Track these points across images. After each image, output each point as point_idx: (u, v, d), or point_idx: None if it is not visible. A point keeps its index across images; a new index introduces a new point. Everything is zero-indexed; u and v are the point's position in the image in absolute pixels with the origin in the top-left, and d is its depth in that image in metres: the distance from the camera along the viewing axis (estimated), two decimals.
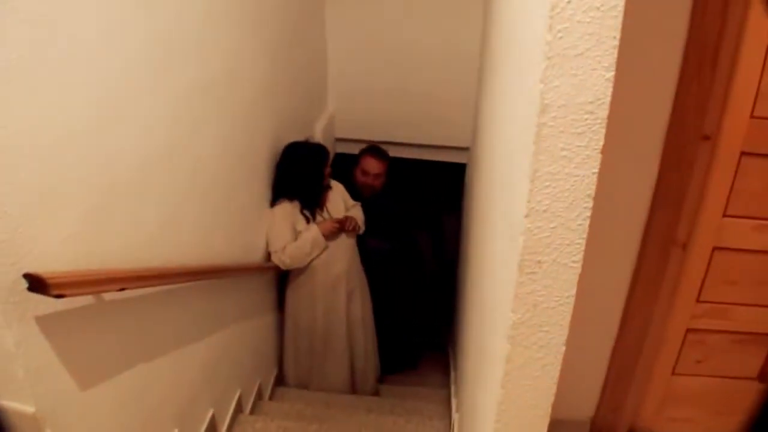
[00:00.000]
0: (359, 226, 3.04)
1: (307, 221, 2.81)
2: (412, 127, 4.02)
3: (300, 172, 2.77)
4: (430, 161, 4.32)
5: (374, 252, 3.38)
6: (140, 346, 1.70)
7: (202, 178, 2.00)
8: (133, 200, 1.58)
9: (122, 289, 1.48)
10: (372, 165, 3.28)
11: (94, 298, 1.45)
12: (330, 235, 2.87)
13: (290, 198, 2.79)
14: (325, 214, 2.93)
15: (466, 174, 4.09)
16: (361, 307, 3.14)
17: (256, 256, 2.68)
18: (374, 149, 3.34)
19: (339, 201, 3.04)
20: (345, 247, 2.99)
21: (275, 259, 2.75)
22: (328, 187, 2.98)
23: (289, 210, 2.77)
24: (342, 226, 2.91)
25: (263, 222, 2.75)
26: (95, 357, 1.48)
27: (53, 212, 1.28)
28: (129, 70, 1.51)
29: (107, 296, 1.50)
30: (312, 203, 2.85)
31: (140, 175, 1.60)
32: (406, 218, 3.66)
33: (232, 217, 2.35)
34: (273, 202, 2.79)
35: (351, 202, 3.11)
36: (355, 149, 4.25)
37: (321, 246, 2.84)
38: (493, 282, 1.47)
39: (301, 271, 2.89)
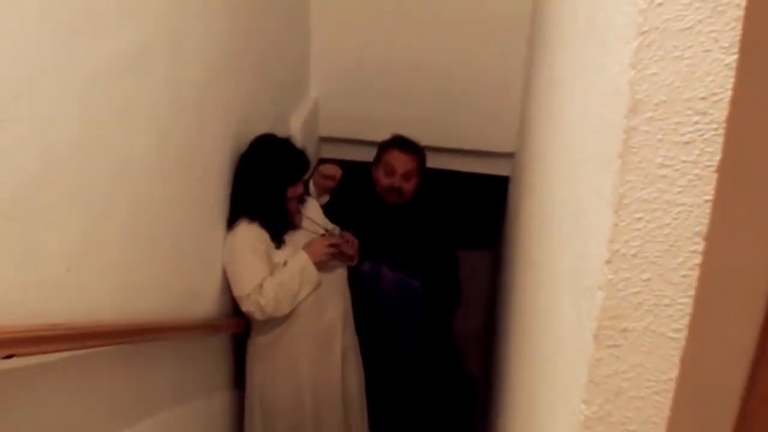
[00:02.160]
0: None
1: (278, 247, 2.84)
2: (428, 123, 4.02)
3: (260, 181, 2.81)
4: (454, 173, 4.32)
5: (401, 290, 3.39)
6: None
7: (128, 191, 2.01)
8: (26, 225, 1.57)
9: (10, 356, 1.47)
10: (399, 160, 3.37)
11: None
12: (323, 263, 2.89)
13: (252, 217, 2.82)
14: (300, 235, 2.95)
15: (510, 191, 4.09)
16: (357, 373, 3.15)
17: (204, 308, 2.68)
18: (401, 140, 3.44)
19: (317, 222, 3.07)
20: (338, 285, 3.01)
21: (248, 305, 2.75)
22: (301, 201, 3.02)
23: (256, 233, 2.79)
24: (337, 249, 2.92)
25: (217, 255, 2.76)
26: None
27: None
28: (26, 36, 1.51)
29: None
30: (277, 225, 2.87)
31: (38, 188, 1.60)
32: (448, 241, 3.65)
33: (171, 250, 2.35)
34: (231, 223, 2.81)
35: (330, 225, 3.15)
36: (346, 153, 4.27)
37: (313, 281, 2.86)
38: (554, 357, 1.46)
39: (275, 323, 2.88)
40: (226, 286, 2.82)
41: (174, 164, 2.31)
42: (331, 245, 2.91)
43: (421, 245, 3.46)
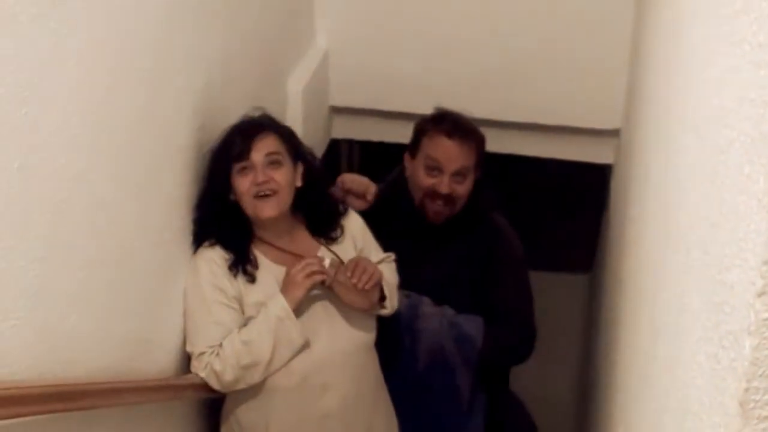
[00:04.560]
0: (381, 291, 2.98)
1: (252, 281, 2.83)
2: (487, 87, 4.05)
3: (204, 179, 2.84)
4: (529, 160, 4.31)
5: (452, 337, 3.33)
6: None
7: (43, 197, 2.01)
8: None
9: None
10: (448, 152, 3.26)
11: None
12: (307, 307, 2.85)
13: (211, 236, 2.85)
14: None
15: (614, 187, 4.07)
16: None
17: (158, 362, 2.70)
18: (450, 120, 3.33)
19: (347, 246, 3.02)
20: (351, 359, 2.97)
21: (199, 367, 2.75)
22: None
23: (221, 264, 2.80)
24: (322, 274, 2.82)
25: (177, 285, 2.79)
26: None
27: None
28: None
29: None
30: (236, 244, 2.86)
31: None
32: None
33: (107, 278, 2.36)
34: (196, 247, 2.85)
35: (377, 252, 3.11)
36: (369, 130, 4.27)
37: (294, 342, 2.80)
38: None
39: (247, 397, 2.89)
40: None
41: (111, 154, 2.31)
42: (313, 275, 2.78)
43: (481, 272, 3.41)
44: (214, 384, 2.77)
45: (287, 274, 2.82)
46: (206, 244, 2.82)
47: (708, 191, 1.39)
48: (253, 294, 2.81)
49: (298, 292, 2.77)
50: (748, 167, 1.10)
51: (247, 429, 2.93)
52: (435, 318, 3.31)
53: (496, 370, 3.59)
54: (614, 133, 3.96)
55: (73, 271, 2.16)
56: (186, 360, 2.82)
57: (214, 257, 2.80)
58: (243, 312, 2.81)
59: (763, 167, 1.02)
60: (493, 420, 3.55)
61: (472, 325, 3.35)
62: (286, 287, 2.79)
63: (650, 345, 1.98)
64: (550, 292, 4.94)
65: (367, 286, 2.84)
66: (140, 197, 2.50)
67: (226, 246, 2.82)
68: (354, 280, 2.82)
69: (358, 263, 2.87)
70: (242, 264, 2.82)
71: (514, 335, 3.44)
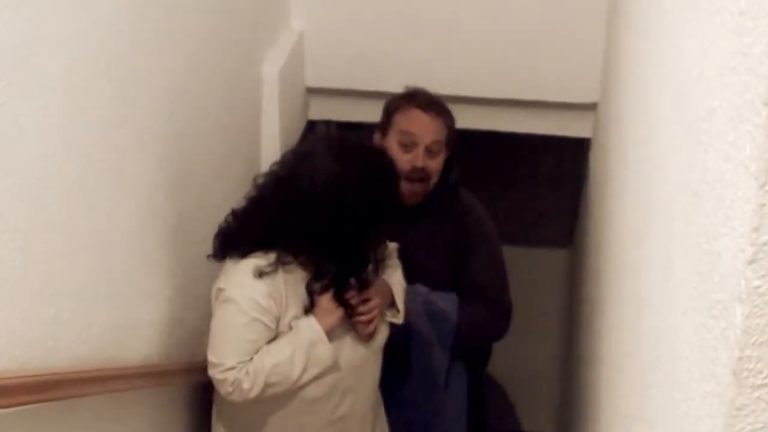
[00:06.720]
0: (386, 315, 3.00)
1: (312, 305, 2.79)
2: (465, 66, 4.05)
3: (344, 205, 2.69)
4: (505, 135, 4.31)
5: (427, 315, 3.36)
6: None
7: (16, 181, 1.99)
8: None
9: None
10: (422, 125, 3.29)
11: None
12: (338, 333, 2.84)
13: (286, 249, 2.75)
14: None
15: (592, 160, 4.07)
16: None
17: (142, 347, 2.69)
18: (422, 95, 3.36)
19: None
20: (367, 353, 2.97)
21: (224, 381, 2.71)
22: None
23: (272, 280, 2.73)
24: (352, 309, 2.84)
25: (161, 263, 2.78)
26: None
27: None
28: None
29: None
30: (354, 269, 2.83)
31: None
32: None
33: (89, 267, 2.36)
34: (238, 249, 2.78)
35: (390, 258, 3.08)
36: (346, 110, 4.26)
37: (323, 361, 2.79)
38: (670, 407, 1.45)
39: (256, 403, 2.86)
40: (180, 315, 2.83)
41: (87, 141, 2.31)
42: (344, 304, 2.79)
43: (454, 250, 3.44)
44: (236, 398, 2.74)
45: (323, 299, 2.80)
46: (257, 256, 2.74)
47: (690, 160, 1.39)
48: (291, 313, 2.80)
49: (333, 319, 2.79)
50: (732, 134, 1.10)
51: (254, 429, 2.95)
52: (408, 296, 3.27)
53: (475, 347, 3.61)
54: (591, 107, 3.97)
55: (52, 259, 2.16)
56: (170, 345, 2.83)
57: (266, 279, 2.72)
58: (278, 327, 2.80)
59: (749, 134, 1.01)
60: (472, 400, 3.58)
61: (447, 303, 3.39)
62: (319, 312, 2.79)
63: (635, 317, 1.98)
64: (529, 267, 4.96)
65: (366, 330, 2.91)
66: (117, 184, 2.49)
67: (343, 273, 2.80)
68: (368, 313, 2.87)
69: (377, 295, 2.91)
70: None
71: (489, 311, 3.47)
